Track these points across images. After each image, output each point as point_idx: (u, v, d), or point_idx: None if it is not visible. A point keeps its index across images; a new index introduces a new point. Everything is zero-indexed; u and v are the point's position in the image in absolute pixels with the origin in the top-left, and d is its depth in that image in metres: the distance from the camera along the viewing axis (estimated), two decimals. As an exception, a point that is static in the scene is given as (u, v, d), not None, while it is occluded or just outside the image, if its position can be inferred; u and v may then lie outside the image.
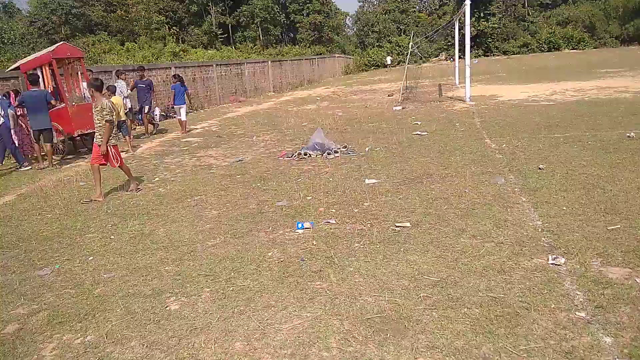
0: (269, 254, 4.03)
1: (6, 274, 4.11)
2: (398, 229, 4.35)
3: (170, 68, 17.35)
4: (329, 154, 7.78)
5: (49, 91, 9.32)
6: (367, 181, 6.07)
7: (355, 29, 72.05)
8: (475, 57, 47.54)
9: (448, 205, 4.91)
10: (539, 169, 5.95)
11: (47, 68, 9.81)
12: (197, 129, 12.87)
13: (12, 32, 33.16)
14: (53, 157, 9.19)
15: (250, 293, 3.37)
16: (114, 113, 6.44)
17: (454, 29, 19.24)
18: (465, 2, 12.97)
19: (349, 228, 4.49)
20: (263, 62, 25.54)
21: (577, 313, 2.77)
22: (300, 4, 57.40)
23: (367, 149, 8.11)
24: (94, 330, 3.06)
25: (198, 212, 5.46)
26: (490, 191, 5.25)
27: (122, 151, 7.96)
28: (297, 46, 49.13)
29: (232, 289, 3.45)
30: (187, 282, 3.64)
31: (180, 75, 13.06)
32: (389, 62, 44.62)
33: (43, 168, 8.88)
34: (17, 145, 9.31)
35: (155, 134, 12.36)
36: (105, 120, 6.13)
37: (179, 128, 12.36)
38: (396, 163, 6.98)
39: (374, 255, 3.81)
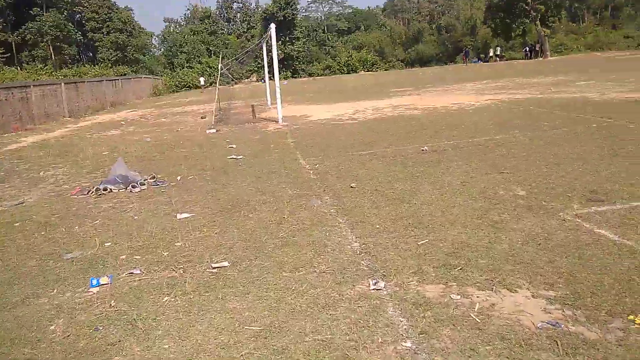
0: (51, 327, 3.19)
1: None
2: (215, 270, 3.89)
3: None
4: (134, 187, 6.92)
5: None
6: (179, 216, 5.47)
7: (162, 50, 69.48)
8: (284, 78, 49.76)
9: (268, 234, 4.62)
10: (351, 187, 6.08)
11: None
12: (-35, 165, 10.54)
13: None
14: None
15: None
16: None
17: (263, 51, 19.61)
18: (270, 26, 13.20)
19: (157, 277, 3.87)
20: (55, 84, 22.59)
21: (403, 344, 2.67)
22: (99, 22, 53.14)
23: (178, 177, 7.47)
24: None
25: (-46, 278, 4.21)
26: (308, 215, 5.13)
27: None
28: (97, 66, 45.02)
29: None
30: None
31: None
32: (202, 82, 43.84)
33: None
34: None
35: None
36: None
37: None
38: (211, 192, 6.50)
39: (187, 309, 3.28)
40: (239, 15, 71.36)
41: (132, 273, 3.99)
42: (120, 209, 6.06)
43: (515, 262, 3.57)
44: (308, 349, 2.68)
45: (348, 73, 54.41)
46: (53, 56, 48.89)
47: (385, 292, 3.28)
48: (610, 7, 65.50)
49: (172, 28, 70.74)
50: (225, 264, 3.98)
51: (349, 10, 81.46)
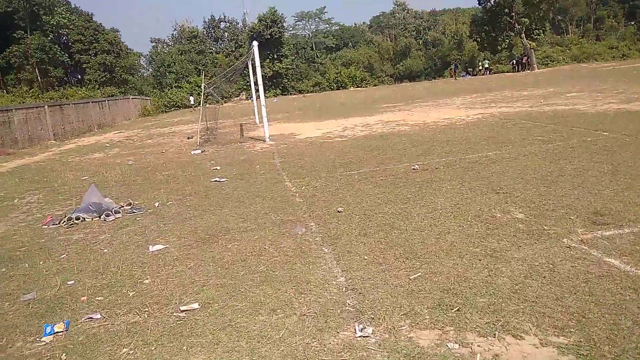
0: (-12, 392, 2.76)
1: None
2: (183, 314, 3.47)
3: None
4: (107, 215, 6.49)
5: None
6: (151, 248, 5.04)
7: (151, 70, 69.26)
8: (274, 95, 49.69)
9: (246, 269, 4.22)
10: (338, 211, 5.71)
11: None
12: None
13: None
14: None
15: None
16: None
17: (249, 69, 19.34)
18: (253, 43, 12.93)
19: (118, 323, 3.44)
20: (38, 107, 22.13)
21: (394, 409, 2.27)
22: (86, 43, 52.78)
23: (156, 204, 7.05)
24: None
25: None
26: (291, 245, 4.73)
27: None
28: (84, 88, 44.62)
29: None
30: None
31: None
32: (192, 102, 43.49)
33: None
34: None
35: None
36: None
37: None
38: (190, 219, 6.09)
39: (146, 365, 2.86)
40: (226, 34, 71.49)
41: (91, 318, 3.56)
42: (91, 240, 5.62)
43: (519, 300, 3.19)
44: (282, 419, 2.27)
45: (337, 89, 54.40)
46: (39, 79, 48.41)
47: (373, 340, 2.88)
48: (592, 19, 66.47)
49: (159, 48, 70.62)
50: (195, 305, 3.57)
51: (336, 28, 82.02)
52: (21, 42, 47.14)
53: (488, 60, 50.07)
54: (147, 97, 48.15)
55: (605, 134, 8.86)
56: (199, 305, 3.58)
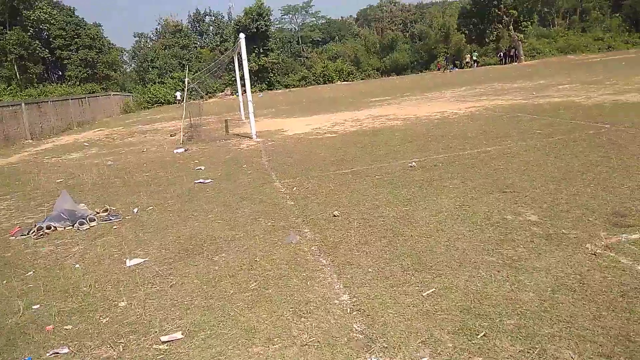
0: None
1: None
2: (165, 346, 2.99)
3: None
4: (81, 223, 5.95)
5: None
6: (128, 262, 4.54)
7: (134, 65, 67.99)
8: (260, 90, 48.98)
9: (235, 287, 3.75)
10: (334, 215, 5.25)
11: None
12: None
13: None
14: None
15: None
16: None
17: (235, 63, 18.75)
18: (239, 36, 12.38)
19: (88, 359, 2.95)
20: (14, 105, 21.30)
21: None
22: (67, 38, 51.41)
23: (135, 209, 6.52)
24: None
25: None
26: (284, 256, 4.27)
27: None
28: (64, 84, 43.47)
29: None
30: None
31: None
32: (178, 97, 42.53)
33: None
34: None
35: None
36: None
37: None
38: (171, 227, 5.59)
39: (117, 418, 2.38)
40: (211, 28, 70.47)
41: (57, 353, 3.06)
42: (62, 254, 5.09)
43: (552, 321, 2.77)
44: None
45: (324, 83, 53.86)
46: (18, 75, 47.04)
47: (386, 379, 2.44)
48: (578, 11, 66.66)
49: (142, 43, 69.34)
50: (178, 335, 3.09)
51: (323, 21, 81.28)
52: (-1, 38, 45.77)
53: (476, 52, 49.82)
54: (129, 94, 47.15)
55: (606, 126, 8.52)
56: (182, 334, 3.10)
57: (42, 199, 8.00)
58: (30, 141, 20.30)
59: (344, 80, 54.78)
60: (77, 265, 4.65)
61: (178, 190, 7.53)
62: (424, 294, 3.26)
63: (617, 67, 22.99)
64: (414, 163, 7.31)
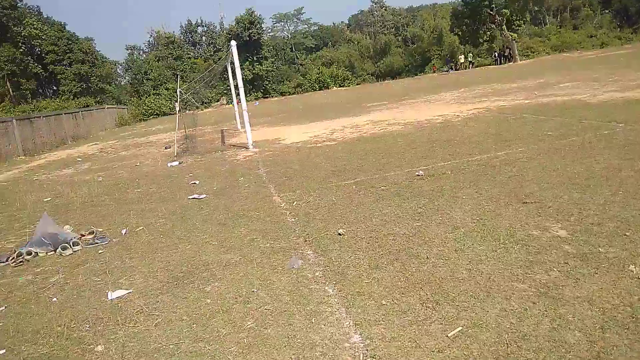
0: None
1: None
2: (144, 409, 2.51)
3: None
4: (64, 248, 5.47)
5: None
6: (110, 295, 4.06)
7: (128, 78, 67.63)
8: (255, 99, 48.58)
9: (229, 325, 3.27)
10: (339, 234, 4.78)
11: None
12: None
13: None
14: None
15: None
16: None
17: (228, 72, 18.33)
18: (231, 43, 11.94)
19: None
20: (5, 121, 20.81)
21: None
22: (59, 53, 50.99)
23: (123, 230, 6.04)
24: None
25: None
26: (285, 285, 3.79)
27: None
28: (58, 99, 43.03)
29: None
30: None
31: None
32: (178, 108, 41.99)
33: None
34: None
35: None
36: None
37: None
38: (161, 250, 5.11)
39: None
40: (204, 38, 70.19)
41: (18, 419, 2.58)
42: (40, 284, 4.61)
43: (611, 370, 2.30)
44: None
45: (320, 90, 53.43)
46: (11, 92, 46.58)
47: None
48: (569, 9, 66.52)
49: (135, 55, 68.99)
50: (162, 394, 2.61)
51: (315, 28, 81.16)
52: (-10, 55, 45.32)
53: (471, 53, 49.48)
54: (124, 106, 46.69)
55: (620, 125, 8.07)
56: (165, 391, 2.62)
57: (27, 220, 7.51)
58: (23, 157, 19.82)
59: (340, 86, 54.38)
60: (55, 299, 4.17)
61: (171, 207, 7.05)
62: (449, 335, 2.78)
63: (615, 64, 22.59)
64: (421, 172, 6.84)
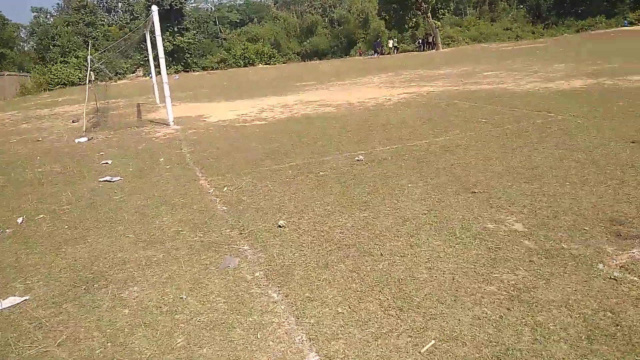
0: None
1: None
2: None
3: None
4: (-60, 243, 4.48)
5: None
6: (1, 304, 3.26)
7: (32, 43, 61.52)
8: (175, 72, 46.11)
9: (153, 345, 2.66)
10: (279, 227, 4.26)
11: None
12: None
13: None
14: None
15: None
16: None
17: (147, 41, 16.88)
18: (152, 8, 10.81)
19: None
20: None
21: None
22: (-48, 11, 45.00)
23: (20, 219, 5.11)
24: None
25: None
26: (221, 289, 3.23)
27: None
28: (-54, 62, 38.10)
29: None
30: None
31: None
32: (93, 78, 38.51)
33: None
34: None
35: None
36: None
37: None
38: (66, 244, 4.31)
39: None
40: (120, 4, 65.43)
41: None
42: None
43: (611, 394, 2.01)
44: None
45: (245, 66, 51.87)
46: None
47: None
48: (487, 2, 69.63)
49: (42, 19, 62.88)
50: None
51: (240, 2, 78.63)
52: None
53: (396, 39, 50.21)
54: (27, 74, 42.33)
55: (551, 114, 8.20)
56: None
57: None
58: None
59: (266, 64, 53.14)
60: None
61: (78, 191, 6.13)
62: (421, 351, 2.39)
63: (532, 56, 23.74)
64: (361, 157, 6.46)
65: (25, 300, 3.32)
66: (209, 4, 75.28)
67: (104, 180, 6.50)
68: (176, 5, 48.99)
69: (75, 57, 46.31)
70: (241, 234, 4.20)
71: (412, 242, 3.67)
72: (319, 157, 6.81)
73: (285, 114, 11.71)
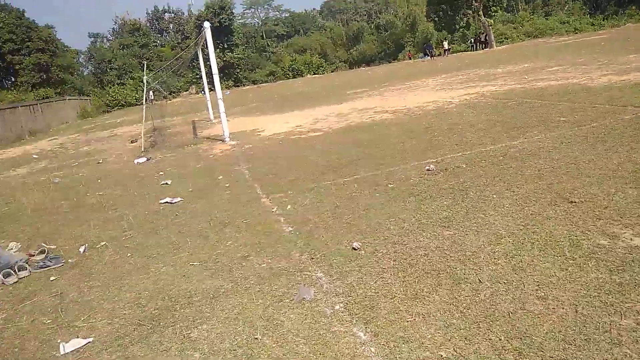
0: None
1: None
2: None
3: None
4: (7, 275, 4.36)
5: None
6: (64, 348, 3.03)
7: (90, 67, 64.74)
8: (226, 88, 46.99)
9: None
10: (354, 249, 3.85)
11: None
12: None
13: None
14: None
15: None
16: None
17: (199, 59, 17.08)
18: (204, 24, 10.79)
19: None
20: (-48, 116, 19.05)
21: None
22: (18, 42, 48.06)
23: (82, 248, 4.97)
24: None
25: None
26: (299, 327, 2.84)
27: None
28: (14, 91, 40.56)
29: None
30: None
31: None
32: (152, 97, 39.75)
33: None
34: None
35: None
36: None
37: None
38: (130, 275, 4.08)
39: None
40: (171, 25, 67.78)
41: None
42: (-30, 329, 3.53)
43: None
44: None
45: (293, 77, 52.21)
46: (-36, 86, 43.68)
47: None
48: (539, -5, 66.89)
49: (98, 43, 66.15)
50: None
51: (286, 15, 79.60)
52: (-59, 47, 42.27)
53: (447, 40, 48.95)
54: (87, 97, 44.44)
55: (639, 109, 7.36)
56: None
57: (-34, 234, 6.31)
58: (-27, 155, 18.13)
59: (314, 74, 53.26)
60: (-15, 356, 3.11)
61: (139, 215, 5.98)
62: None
63: (596, 48, 22.24)
64: (432, 165, 5.96)
65: (89, 342, 3.07)
66: (256, 19, 76.72)
67: (165, 202, 6.34)
68: (225, 22, 50.04)
69: (131, 79, 48.24)
70: (312, 258, 3.82)
71: (515, 265, 3.16)
72: (384, 168, 6.36)
73: (340, 123, 11.34)
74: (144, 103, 14.50)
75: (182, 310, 3.29)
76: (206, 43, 10.94)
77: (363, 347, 2.55)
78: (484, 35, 45.04)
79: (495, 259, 3.29)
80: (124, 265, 4.33)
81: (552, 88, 11.27)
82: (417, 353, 2.42)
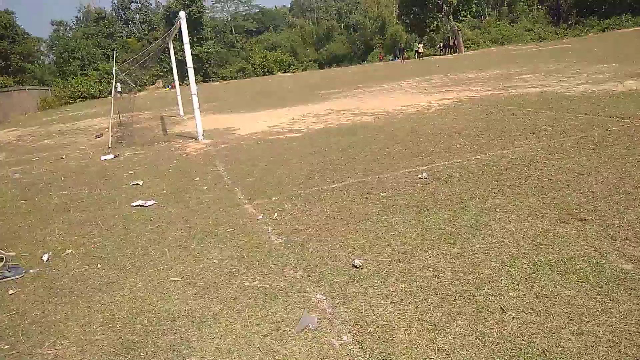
0: None
1: None
2: None
3: None
4: (-45, 289, 3.83)
5: None
6: (23, 385, 2.58)
7: (52, 56, 62.13)
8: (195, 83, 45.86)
9: None
10: (354, 267, 3.52)
11: None
12: None
13: None
14: None
15: None
16: None
17: (170, 50, 16.37)
18: (179, 14, 10.24)
19: None
20: None
21: None
22: (-26, 28, 45.44)
23: (45, 256, 4.45)
24: None
25: None
26: (305, 357, 2.49)
27: None
28: (-32, 78, 38.38)
29: None
30: None
31: None
32: (119, 89, 38.17)
33: None
34: None
35: None
36: None
37: None
38: (102, 291, 3.62)
39: None
40: (137, 16, 65.77)
41: None
42: None
43: None
44: None
45: (264, 75, 51.44)
46: None
47: None
48: (506, 2, 68.32)
49: (61, 32, 63.53)
50: None
51: (256, 10, 78.64)
52: None
53: (418, 43, 49.27)
54: (48, 88, 42.48)
55: (625, 120, 7.32)
56: None
57: None
58: None
59: (285, 72, 52.68)
60: None
61: (108, 219, 5.47)
62: None
63: (564, 56, 22.70)
64: (424, 173, 5.70)
65: (56, 375, 2.63)
66: (225, 13, 75.41)
67: (137, 205, 5.85)
68: (194, 14, 48.86)
69: (95, 70, 46.45)
70: (309, 276, 3.47)
71: (537, 291, 2.90)
72: (373, 174, 6.06)
73: (319, 124, 11.00)
74: (112, 95, 13.74)
75: (165, 337, 2.88)
76: (179, 34, 10.39)
77: (383, 391, 2.23)
78: (453, 39, 45.59)
79: (514, 283, 3.02)
80: (94, 278, 3.86)
81: (530, 95, 11.28)
82: (447, 399, 2.11)
